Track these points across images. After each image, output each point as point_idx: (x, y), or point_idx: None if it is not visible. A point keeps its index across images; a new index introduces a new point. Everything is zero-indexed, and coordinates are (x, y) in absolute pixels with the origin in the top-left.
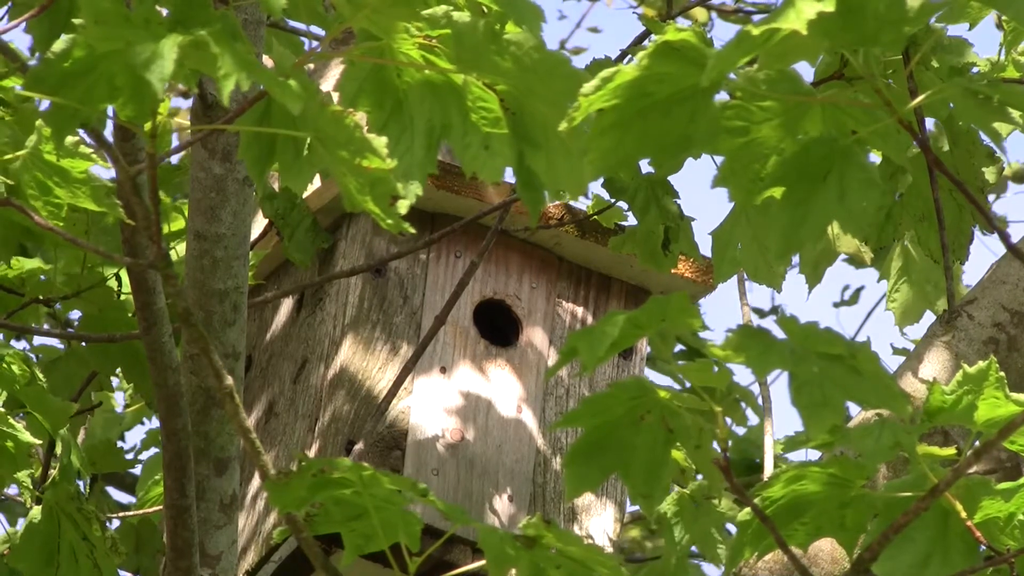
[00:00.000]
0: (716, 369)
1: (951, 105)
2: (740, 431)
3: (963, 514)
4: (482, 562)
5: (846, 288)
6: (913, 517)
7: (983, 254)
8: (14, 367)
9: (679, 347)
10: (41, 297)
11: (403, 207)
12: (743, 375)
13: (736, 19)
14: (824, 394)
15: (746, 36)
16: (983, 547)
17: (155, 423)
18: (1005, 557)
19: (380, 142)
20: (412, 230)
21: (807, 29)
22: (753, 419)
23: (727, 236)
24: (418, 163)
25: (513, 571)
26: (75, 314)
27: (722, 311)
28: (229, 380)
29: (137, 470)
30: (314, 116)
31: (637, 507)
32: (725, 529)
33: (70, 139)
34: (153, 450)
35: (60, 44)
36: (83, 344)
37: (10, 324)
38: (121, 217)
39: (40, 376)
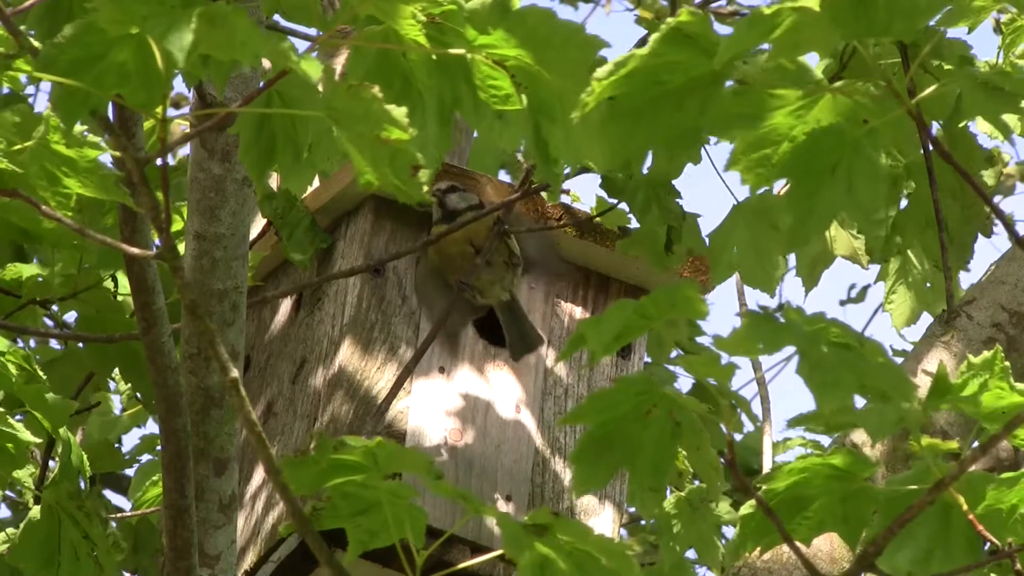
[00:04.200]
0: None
1: (955, 101)
2: (737, 437)
3: (965, 507)
4: (481, 559)
5: (852, 286)
6: (917, 512)
7: (988, 256)
8: (11, 366)
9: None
10: (38, 299)
11: (424, 176)
12: (736, 381)
13: (732, 22)
14: (835, 375)
15: (758, 17)
16: (986, 543)
17: (151, 428)
18: (1007, 552)
19: (400, 112)
20: (432, 199)
21: (819, 6)
22: (749, 426)
23: (724, 239)
24: (433, 139)
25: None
26: (71, 316)
27: (721, 314)
28: (234, 372)
29: (134, 471)
30: (329, 94)
31: (633, 515)
32: (720, 533)
33: (77, 128)
34: (147, 456)
35: (70, 29)
36: (80, 345)
37: (8, 324)
38: (131, 205)
39: (40, 373)
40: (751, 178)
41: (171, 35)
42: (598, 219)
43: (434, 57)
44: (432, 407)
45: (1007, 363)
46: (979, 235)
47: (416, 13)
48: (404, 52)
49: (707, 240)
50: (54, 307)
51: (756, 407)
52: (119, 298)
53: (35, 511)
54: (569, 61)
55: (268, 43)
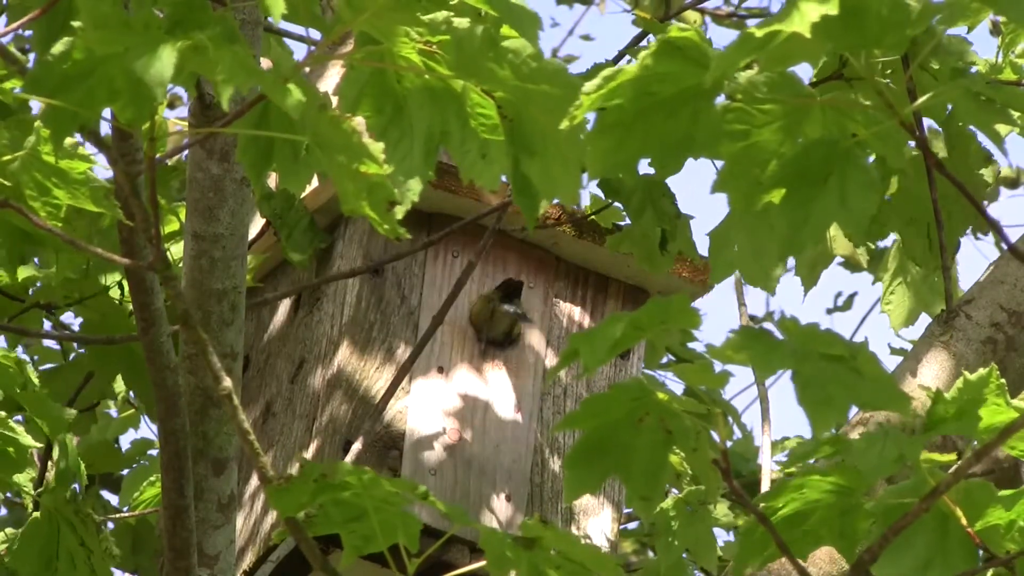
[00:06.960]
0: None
1: (950, 107)
2: (727, 444)
3: (963, 521)
4: (481, 563)
5: (839, 295)
6: (913, 519)
7: (977, 259)
8: (10, 369)
9: (668, 357)
10: (42, 303)
11: (400, 212)
12: (735, 383)
13: (730, 23)
14: (828, 393)
15: (749, 37)
16: (982, 552)
17: (143, 432)
18: (1004, 559)
19: (377, 147)
20: (408, 236)
21: (810, 32)
22: (738, 433)
23: (724, 237)
24: (416, 168)
25: (513, 572)
26: (68, 317)
27: (719, 317)
28: (227, 382)
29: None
30: (312, 120)
31: (630, 517)
32: (714, 534)
33: (68, 141)
34: (141, 461)
35: (59, 46)
36: (83, 350)
37: (9, 327)
38: (120, 218)
39: (35, 380)
40: (739, 201)
41: (152, 67)
42: (593, 216)
43: (427, 78)
44: (431, 407)
45: (1003, 380)
46: (972, 235)
47: (411, 33)
48: (398, 78)
49: (706, 239)
50: (52, 310)
51: (755, 408)
52: (124, 304)
53: (36, 515)
54: (552, 99)
55: (253, 76)
